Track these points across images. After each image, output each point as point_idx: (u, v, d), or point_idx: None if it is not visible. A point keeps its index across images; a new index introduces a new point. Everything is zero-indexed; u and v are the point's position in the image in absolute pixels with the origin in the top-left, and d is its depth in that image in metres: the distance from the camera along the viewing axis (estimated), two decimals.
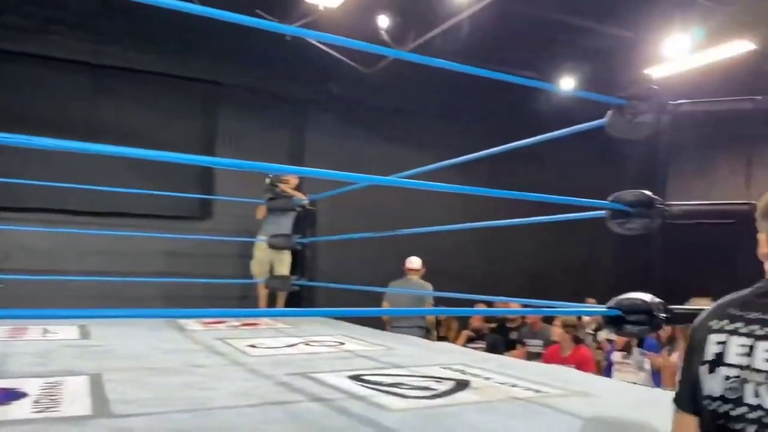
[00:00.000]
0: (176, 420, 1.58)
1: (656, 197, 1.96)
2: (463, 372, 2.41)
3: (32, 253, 6.21)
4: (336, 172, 2.26)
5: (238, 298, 6.47)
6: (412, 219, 4.86)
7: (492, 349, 5.43)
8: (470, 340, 5.90)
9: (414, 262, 6.18)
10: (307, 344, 3.18)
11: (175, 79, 7.26)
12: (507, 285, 6.67)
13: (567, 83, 7.29)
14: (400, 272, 6.51)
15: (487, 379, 2.28)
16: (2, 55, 6.48)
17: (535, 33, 6.92)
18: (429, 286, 5.82)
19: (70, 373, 2.11)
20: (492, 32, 6.43)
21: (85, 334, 3.23)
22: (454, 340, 6.11)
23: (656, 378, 4.40)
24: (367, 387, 2.05)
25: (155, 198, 6.04)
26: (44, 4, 6.59)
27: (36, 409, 1.61)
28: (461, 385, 2.14)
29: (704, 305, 1.80)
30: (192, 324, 3.86)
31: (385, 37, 6.08)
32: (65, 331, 3.27)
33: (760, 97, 1.89)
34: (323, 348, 3.06)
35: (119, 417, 1.61)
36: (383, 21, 6.23)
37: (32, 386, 1.87)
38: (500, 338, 5.96)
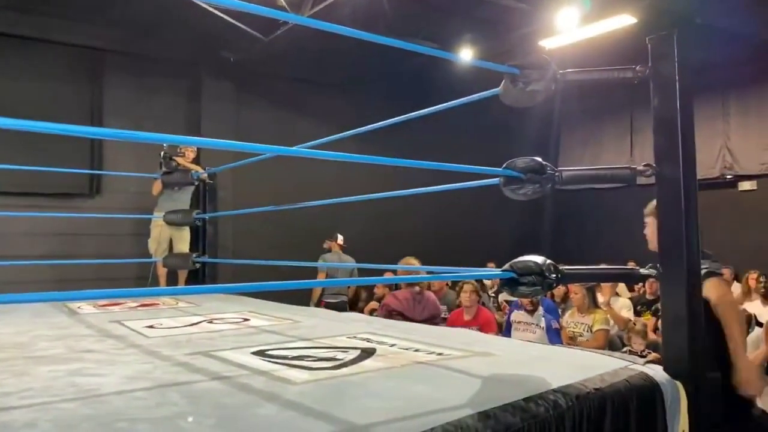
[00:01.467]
0: (62, 410, 1.48)
1: (547, 163, 2.04)
2: (368, 340, 2.43)
3: None
4: (234, 142, 2.17)
5: (134, 279, 6.17)
6: (317, 191, 4.82)
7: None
8: (376, 308, 5.99)
9: (341, 237, 7.00)
10: (210, 322, 3.09)
11: (55, 45, 6.68)
12: (414, 254, 6.80)
13: (466, 54, 7.42)
14: (304, 245, 6.61)
15: (392, 345, 2.31)
16: None
17: (434, 3, 6.97)
18: (352, 259, 6.62)
19: None
20: (391, 2, 6.41)
21: None
22: (362, 310, 6.19)
23: (552, 335, 4.67)
24: (271, 362, 2.02)
25: (38, 175, 5.58)
26: None
27: None
28: (366, 353, 2.16)
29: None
30: (85, 307, 3.65)
31: (283, 2, 5.89)
32: None
33: (638, 67, 2.00)
34: (227, 325, 2.98)
35: None
36: None
37: None
38: None
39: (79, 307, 3.65)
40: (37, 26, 6.48)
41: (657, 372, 1.91)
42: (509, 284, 1.90)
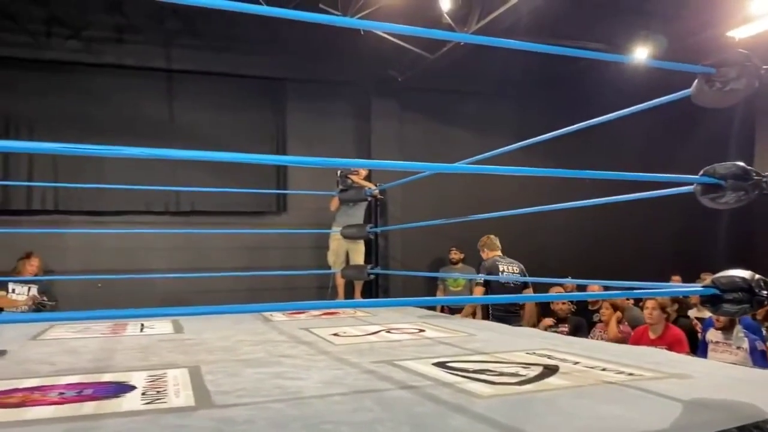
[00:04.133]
0: (273, 410, 1.64)
1: (751, 168, 1.85)
2: (549, 357, 2.36)
3: (122, 253, 6.61)
4: (403, 162, 2.27)
5: (316, 288, 6.64)
6: (483, 203, 4.81)
7: (575, 332, 5.30)
8: (551, 324, 5.80)
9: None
10: (388, 332, 3.22)
11: (245, 79, 7.47)
12: (586, 266, 6.49)
13: (640, 53, 6.94)
14: (469, 257, 6.76)
15: (576, 363, 2.23)
16: (83, 68, 6.86)
17: (601, 2, 6.64)
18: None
19: (171, 366, 2.23)
20: (556, 5, 6.22)
21: (178, 328, 3.40)
22: (534, 325, 6.01)
23: (757, 357, 4.15)
24: (453, 374, 2.06)
25: (236, 195, 6.29)
26: (114, 13, 6.87)
27: (145, 401, 1.71)
28: (550, 370, 2.11)
29: None
30: (276, 314, 3.99)
31: (448, 20, 5.99)
32: (160, 325, 3.46)
33: None
34: (404, 335, 3.08)
35: (221, 407, 1.68)
36: (445, 4, 6.12)
37: (138, 379, 1.99)
38: (583, 321, 5.82)
39: (271, 315, 4.00)
40: (227, 63, 7.30)
41: None
42: (711, 302, 1.74)
